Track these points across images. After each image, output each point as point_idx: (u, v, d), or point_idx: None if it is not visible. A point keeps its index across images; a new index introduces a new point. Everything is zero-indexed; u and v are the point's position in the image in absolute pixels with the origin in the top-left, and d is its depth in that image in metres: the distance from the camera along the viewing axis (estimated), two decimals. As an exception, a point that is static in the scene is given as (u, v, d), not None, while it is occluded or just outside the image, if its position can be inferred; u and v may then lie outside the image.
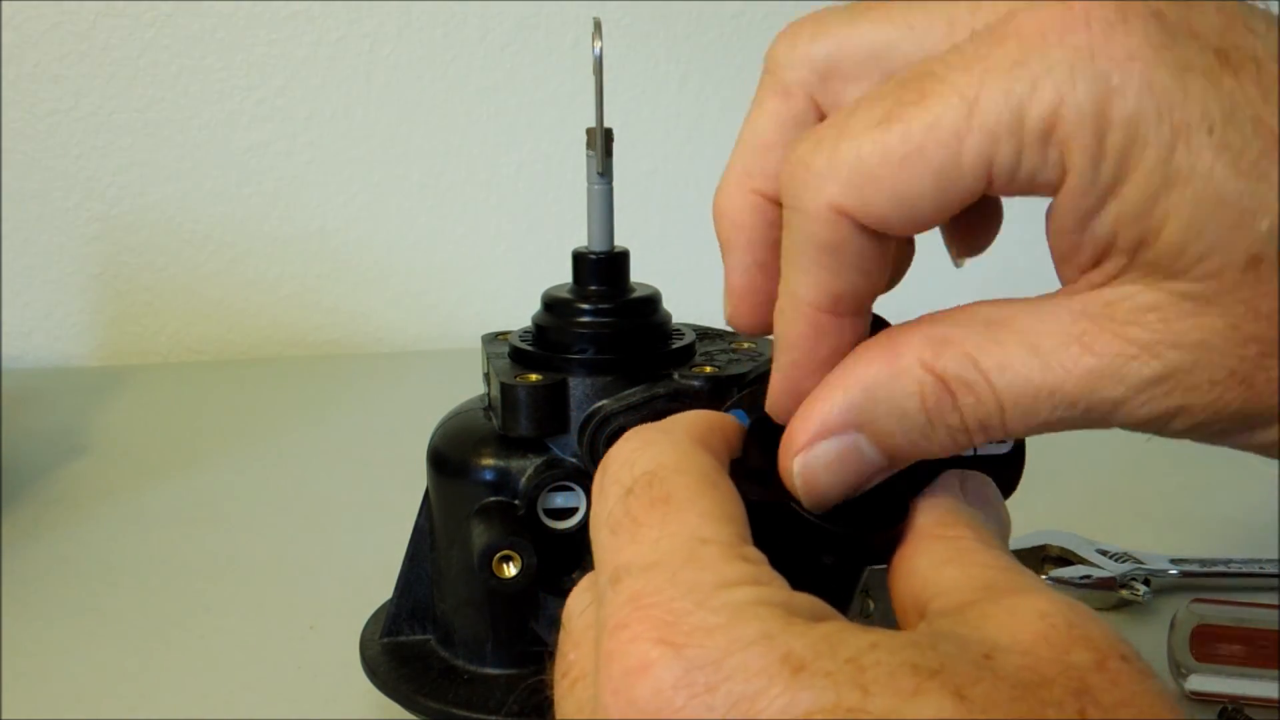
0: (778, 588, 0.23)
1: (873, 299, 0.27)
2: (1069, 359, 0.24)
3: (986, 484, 0.29)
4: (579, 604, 0.26)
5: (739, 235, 0.30)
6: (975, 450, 0.31)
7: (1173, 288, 0.24)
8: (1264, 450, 0.25)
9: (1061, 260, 0.25)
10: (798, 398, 0.27)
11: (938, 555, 0.26)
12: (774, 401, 0.28)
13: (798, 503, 0.27)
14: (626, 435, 0.28)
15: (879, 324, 0.28)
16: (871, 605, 0.28)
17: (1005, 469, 0.30)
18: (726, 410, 0.30)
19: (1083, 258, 0.25)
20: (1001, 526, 0.28)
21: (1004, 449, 0.30)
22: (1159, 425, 0.25)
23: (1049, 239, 0.25)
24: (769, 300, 0.29)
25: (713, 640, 0.21)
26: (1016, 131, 0.23)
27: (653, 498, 0.25)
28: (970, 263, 0.31)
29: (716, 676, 0.21)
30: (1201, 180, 0.23)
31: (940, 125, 0.24)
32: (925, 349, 0.25)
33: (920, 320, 0.26)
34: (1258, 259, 0.23)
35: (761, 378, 0.29)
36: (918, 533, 0.27)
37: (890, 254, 0.26)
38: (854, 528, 0.27)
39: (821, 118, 0.29)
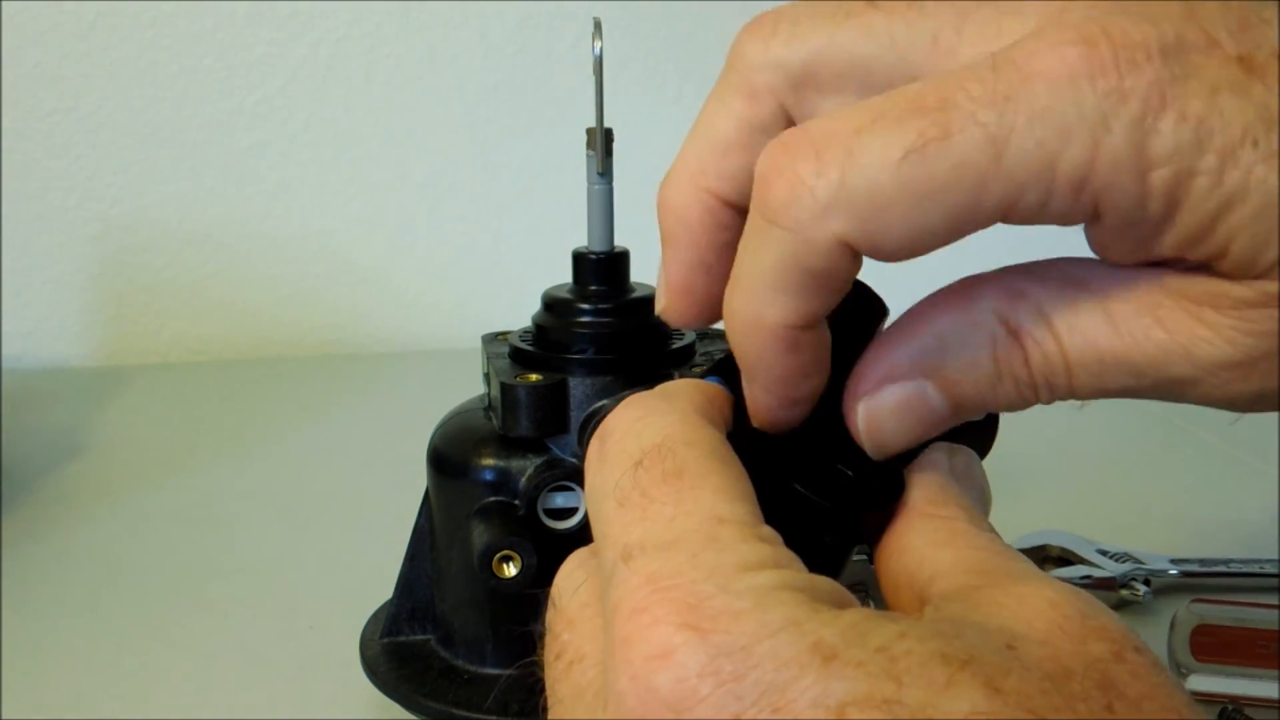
0: (798, 570, 0.22)
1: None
2: (1140, 330, 0.24)
3: (973, 460, 0.28)
4: (571, 581, 0.26)
5: (684, 233, 0.29)
6: None
7: (1252, 285, 0.23)
8: None
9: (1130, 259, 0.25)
10: (784, 410, 0.27)
11: (932, 535, 0.25)
12: (758, 419, 0.27)
13: (800, 480, 0.26)
14: (626, 402, 0.27)
15: (864, 291, 0.27)
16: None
17: (978, 436, 0.30)
18: (704, 377, 0.29)
19: (1152, 259, 0.24)
20: (985, 505, 0.28)
21: (978, 416, 0.30)
22: (1242, 406, 0.24)
23: (1105, 256, 0.25)
24: (705, 299, 0.29)
25: (740, 626, 0.20)
26: (1046, 180, 0.23)
27: (665, 471, 0.24)
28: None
29: (745, 664, 0.20)
30: (1257, 194, 0.22)
31: (966, 167, 0.23)
32: (1001, 299, 0.25)
33: (999, 272, 0.26)
34: None
35: None
36: (910, 510, 0.26)
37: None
38: (855, 504, 0.26)
39: (789, 124, 0.28)
